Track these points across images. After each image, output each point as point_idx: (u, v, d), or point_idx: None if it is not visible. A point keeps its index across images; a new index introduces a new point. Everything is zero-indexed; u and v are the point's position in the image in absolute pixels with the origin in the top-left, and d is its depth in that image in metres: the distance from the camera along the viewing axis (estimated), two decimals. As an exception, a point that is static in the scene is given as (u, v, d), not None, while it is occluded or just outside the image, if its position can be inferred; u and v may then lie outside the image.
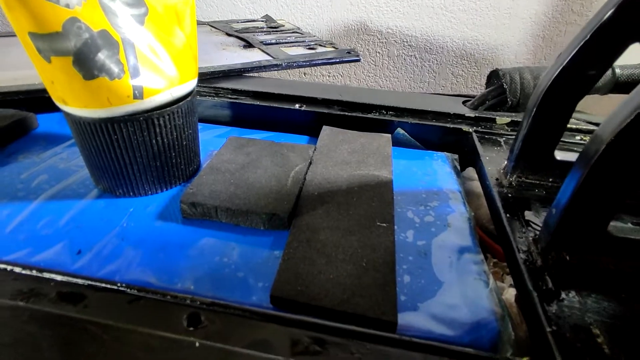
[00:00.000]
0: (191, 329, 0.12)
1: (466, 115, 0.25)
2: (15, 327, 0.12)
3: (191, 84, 0.18)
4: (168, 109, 0.17)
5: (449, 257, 0.16)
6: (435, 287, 0.15)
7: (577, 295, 0.13)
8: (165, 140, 0.17)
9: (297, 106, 0.26)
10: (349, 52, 0.35)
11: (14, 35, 0.34)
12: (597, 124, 0.24)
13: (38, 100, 0.24)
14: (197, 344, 0.11)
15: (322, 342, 0.12)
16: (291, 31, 0.42)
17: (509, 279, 0.18)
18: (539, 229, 0.16)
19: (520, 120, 0.24)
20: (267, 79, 0.30)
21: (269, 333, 0.12)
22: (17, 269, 0.14)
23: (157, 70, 0.16)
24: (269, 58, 0.32)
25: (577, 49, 0.17)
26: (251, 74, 0.30)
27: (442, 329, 0.13)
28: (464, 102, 0.27)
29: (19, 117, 0.23)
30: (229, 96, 0.27)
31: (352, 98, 0.26)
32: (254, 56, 0.32)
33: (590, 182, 0.13)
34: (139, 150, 0.17)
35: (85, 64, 0.14)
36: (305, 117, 0.25)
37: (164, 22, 0.16)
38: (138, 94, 0.15)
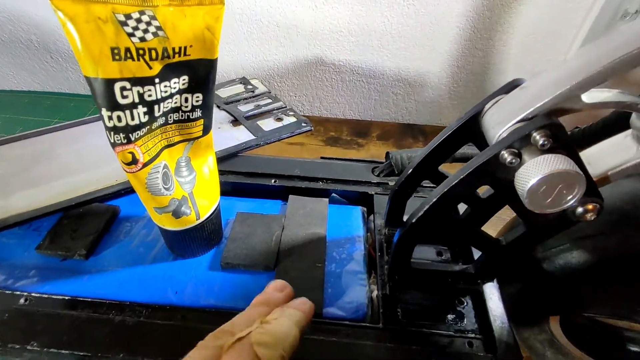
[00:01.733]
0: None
1: (372, 181, 0.43)
2: (160, 329, 0.30)
3: (219, 197, 0.35)
4: (212, 215, 0.34)
5: (351, 277, 0.34)
6: (342, 294, 0.33)
7: (385, 294, 0.32)
8: (209, 230, 0.35)
9: (272, 182, 0.43)
10: (305, 123, 0.51)
11: (77, 126, 0.49)
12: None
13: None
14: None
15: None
16: (263, 95, 0.58)
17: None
18: (392, 260, 0.35)
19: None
20: (249, 156, 0.46)
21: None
22: (156, 305, 0.32)
23: (206, 200, 0.33)
24: (251, 137, 0.48)
25: (429, 151, 0.33)
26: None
27: (343, 313, 0.32)
28: (373, 169, 0.44)
29: (113, 210, 0.39)
30: (229, 176, 0.43)
31: (306, 173, 0.43)
32: (241, 135, 0.49)
33: (401, 240, 0.31)
34: (197, 238, 0.34)
35: (176, 214, 0.31)
36: (278, 188, 0.43)
37: (203, 176, 0.33)
38: (198, 217, 0.33)
